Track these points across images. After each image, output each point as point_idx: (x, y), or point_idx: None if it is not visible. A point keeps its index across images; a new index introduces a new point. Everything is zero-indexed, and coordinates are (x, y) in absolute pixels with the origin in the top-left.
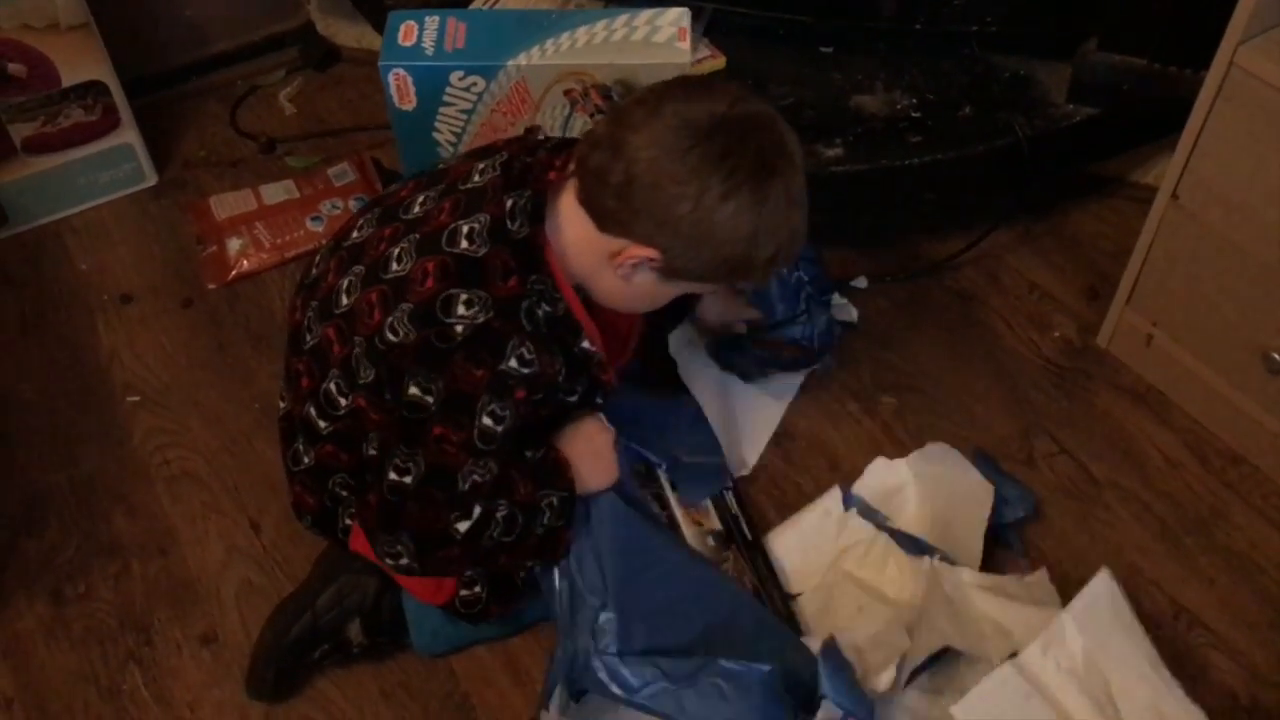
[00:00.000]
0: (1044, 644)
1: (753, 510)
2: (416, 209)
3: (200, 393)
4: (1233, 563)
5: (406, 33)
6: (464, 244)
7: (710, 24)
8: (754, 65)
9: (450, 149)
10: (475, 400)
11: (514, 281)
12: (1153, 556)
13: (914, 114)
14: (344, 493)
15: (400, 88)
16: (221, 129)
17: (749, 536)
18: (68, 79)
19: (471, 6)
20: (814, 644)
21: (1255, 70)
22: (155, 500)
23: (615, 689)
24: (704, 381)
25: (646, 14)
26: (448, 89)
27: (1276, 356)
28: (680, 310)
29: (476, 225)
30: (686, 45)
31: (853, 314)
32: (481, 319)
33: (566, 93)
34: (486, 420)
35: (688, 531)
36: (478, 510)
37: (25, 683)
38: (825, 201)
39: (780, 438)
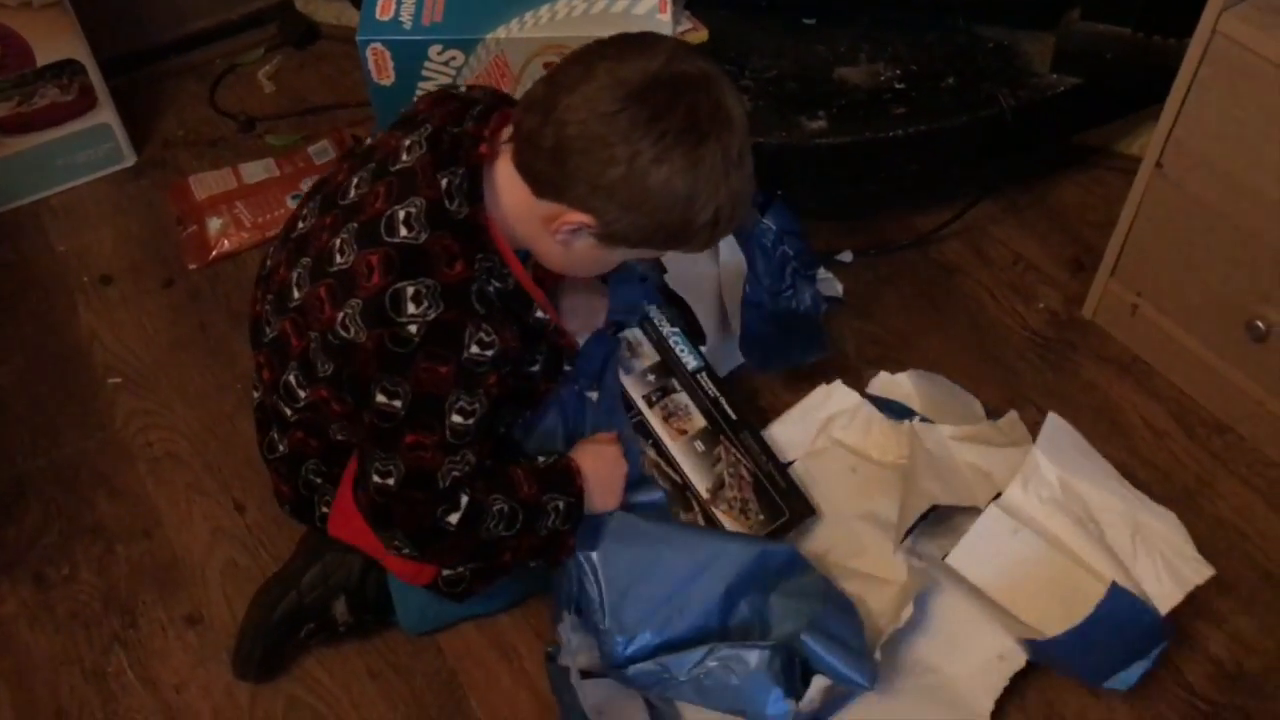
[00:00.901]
0: (1023, 480)
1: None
2: (352, 194)
3: (182, 374)
4: (1219, 532)
5: (384, 7)
6: (403, 231)
7: None
8: (736, 37)
9: None
10: (443, 400)
11: (460, 266)
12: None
13: (897, 85)
14: (318, 480)
15: (378, 62)
16: (200, 108)
17: (733, 416)
18: (42, 58)
19: None
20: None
21: (1238, 37)
22: (138, 482)
23: (638, 688)
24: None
25: None
26: (426, 63)
27: (1260, 325)
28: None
29: (413, 210)
30: (667, 17)
31: (838, 288)
32: (433, 315)
33: (546, 66)
34: (456, 418)
35: (673, 445)
36: (465, 500)
37: (9, 666)
38: (809, 174)
39: (765, 412)
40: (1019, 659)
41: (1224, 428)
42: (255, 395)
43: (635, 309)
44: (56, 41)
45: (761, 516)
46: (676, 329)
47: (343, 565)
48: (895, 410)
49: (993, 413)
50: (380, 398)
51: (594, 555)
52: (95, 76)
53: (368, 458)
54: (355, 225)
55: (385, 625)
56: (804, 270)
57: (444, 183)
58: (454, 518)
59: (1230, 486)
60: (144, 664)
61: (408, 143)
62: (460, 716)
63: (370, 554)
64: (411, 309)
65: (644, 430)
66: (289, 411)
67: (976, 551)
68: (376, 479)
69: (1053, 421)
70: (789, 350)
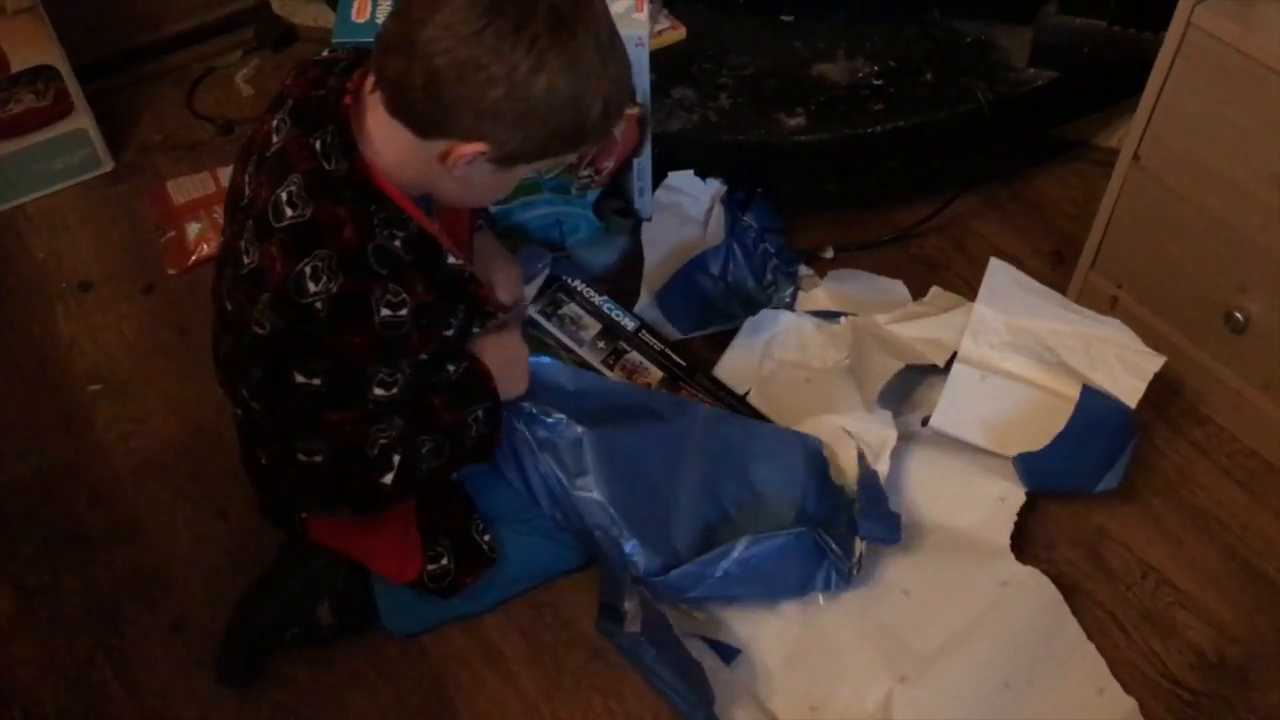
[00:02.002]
0: (972, 334)
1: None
2: (246, 192)
3: (163, 379)
4: (1199, 522)
5: (360, 8)
6: (289, 212)
7: None
8: (715, 35)
9: None
10: (362, 373)
11: (351, 231)
12: (1120, 518)
13: (876, 81)
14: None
15: None
16: (178, 112)
17: (682, 363)
18: (17, 64)
19: None
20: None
21: (1212, 30)
22: (120, 489)
23: (673, 597)
24: None
25: None
26: None
27: (1238, 315)
28: None
29: (293, 188)
30: (644, 15)
31: (819, 284)
32: (334, 287)
33: None
34: (378, 390)
35: None
36: (397, 459)
37: None
38: (788, 171)
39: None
40: (1019, 495)
41: (1204, 418)
42: (237, 413)
43: (537, 270)
44: (31, 47)
45: None
46: (605, 296)
47: (326, 569)
48: (826, 316)
49: (917, 294)
50: (299, 377)
51: (594, 479)
52: (71, 82)
53: (291, 438)
54: (252, 223)
55: (370, 628)
56: (785, 267)
57: (316, 145)
58: (389, 478)
59: (1211, 477)
60: (128, 672)
61: (275, 123)
62: (446, 719)
63: (352, 557)
64: (313, 287)
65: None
66: (260, 422)
67: (953, 408)
68: (303, 458)
69: (994, 266)
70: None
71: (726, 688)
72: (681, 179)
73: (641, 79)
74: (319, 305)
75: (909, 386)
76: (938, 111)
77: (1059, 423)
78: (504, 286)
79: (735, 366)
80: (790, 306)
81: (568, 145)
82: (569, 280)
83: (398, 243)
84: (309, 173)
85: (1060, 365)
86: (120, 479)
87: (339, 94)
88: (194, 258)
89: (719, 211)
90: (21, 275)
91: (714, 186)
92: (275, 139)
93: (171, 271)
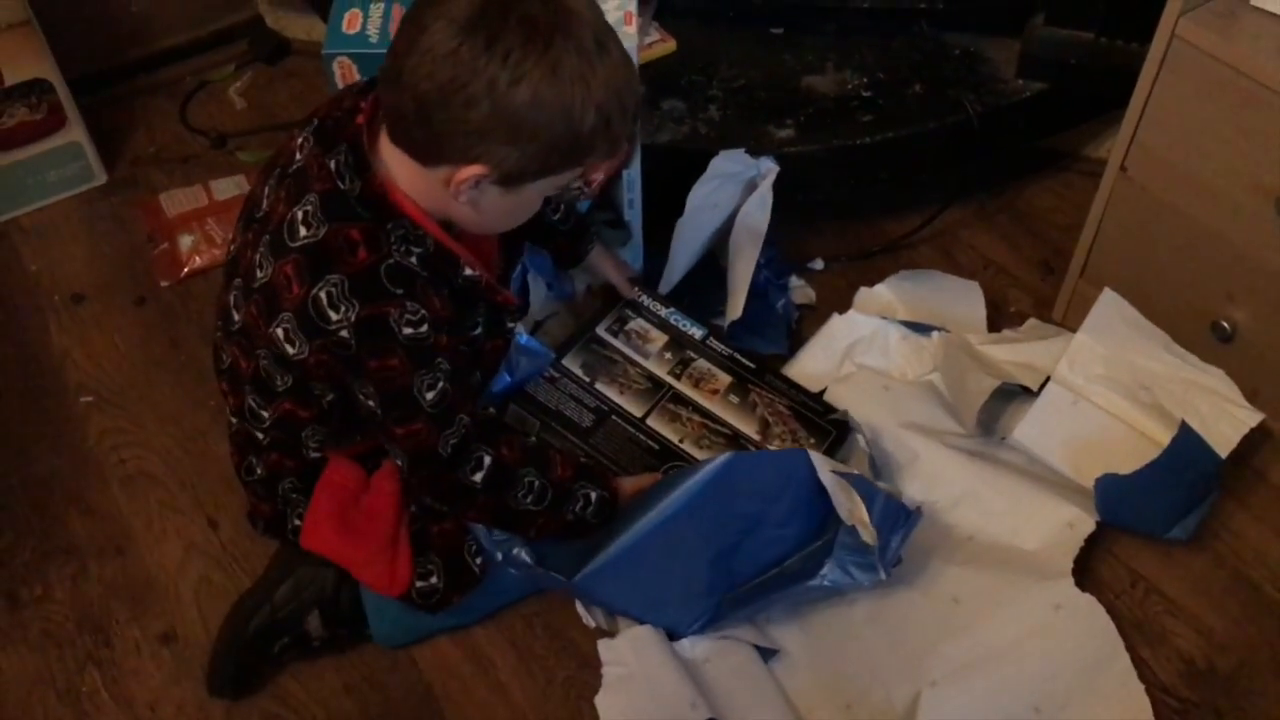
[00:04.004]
0: (1069, 362)
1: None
2: (264, 205)
3: (155, 391)
4: None
5: (351, 20)
6: (303, 232)
7: (660, 7)
8: (705, 47)
9: None
10: (409, 389)
11: (363, 253)
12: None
13: (865, 93)
14: (295, 495)
15: (345, 76)
16: (171, 125)
17: (752, 365)
18: (10, 78)
19: None
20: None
21: (1196, 41)
22: (111, 500)
23: (736, 617)
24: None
25: None
26: None
27: (1225, 325)
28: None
29: (309, 208)
30: (633, 29)
31: (810, 296)
32: (354, 315)
33: None
34: (429, 395)
35: (713, 406)
36: (488, 460)
37: None
38: (778, 183)
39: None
40: (1088, 524)
41: None
42: (233, 422)
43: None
44: (24, 61)
45: (812, 440)
46: (672, 308)
47: (316, 579)
48: (917, 328)
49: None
50: (360, 396)
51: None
52: (64, 95)
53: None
54: (268, 237)
55: (360, 639)
56: (775, 279)
57: (332, 165)
58: (479, 476)
59: None
60: (118, 683)
61: (299, 140)
62: None
63: (342, 566)
64: (333, 315)
65: (680, 399)
66: (260, 435)
67: (1039, 426)
68: (394, 459)
69: (1106, 297)
70: (752, 337)
71: (767, 685)
72: (732, 159)
73: None
74: (346, 334)
75: (994, 406)
76: (926, 123)
77: (1140, 462)
78: (619, 279)
79: (815, 365)
80: (786, 319)
81: (570, 158)
82: (637, 296)
83: (414, 259)
84: (325, 193)
85: (1154, 406)
86: (111, 490)
87: (352, 113)
88: (186, 270)
89: (764, 193)
90: (14, 287)
91: (765, 165)
92: (299, 156)
93: (164, 284)
